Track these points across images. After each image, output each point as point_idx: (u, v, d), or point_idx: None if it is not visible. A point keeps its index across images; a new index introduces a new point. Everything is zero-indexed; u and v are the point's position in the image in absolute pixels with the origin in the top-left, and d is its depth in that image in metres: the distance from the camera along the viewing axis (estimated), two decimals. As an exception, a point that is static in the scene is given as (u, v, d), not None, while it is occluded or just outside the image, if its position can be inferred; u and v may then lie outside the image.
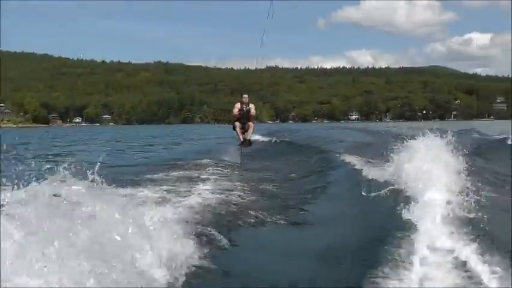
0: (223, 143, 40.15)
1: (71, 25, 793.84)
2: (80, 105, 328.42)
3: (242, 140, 26.86)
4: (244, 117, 26.94)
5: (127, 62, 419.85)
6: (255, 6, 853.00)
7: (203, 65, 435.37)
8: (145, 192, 13.80)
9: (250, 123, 26.96)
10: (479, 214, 9.29)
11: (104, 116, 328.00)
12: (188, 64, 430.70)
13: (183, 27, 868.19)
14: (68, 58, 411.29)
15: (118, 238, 5.95)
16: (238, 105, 27.21)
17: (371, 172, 15.52)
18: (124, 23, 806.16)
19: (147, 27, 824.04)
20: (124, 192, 12.43)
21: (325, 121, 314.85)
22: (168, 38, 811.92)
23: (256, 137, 38.47)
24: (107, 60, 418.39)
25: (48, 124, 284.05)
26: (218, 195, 13.49)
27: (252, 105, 27.29)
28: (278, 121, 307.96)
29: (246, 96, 27.69)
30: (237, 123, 26.83)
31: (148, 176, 17.84)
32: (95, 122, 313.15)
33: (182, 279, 6.52)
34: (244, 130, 26.84)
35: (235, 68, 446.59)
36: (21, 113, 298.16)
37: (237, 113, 26.92)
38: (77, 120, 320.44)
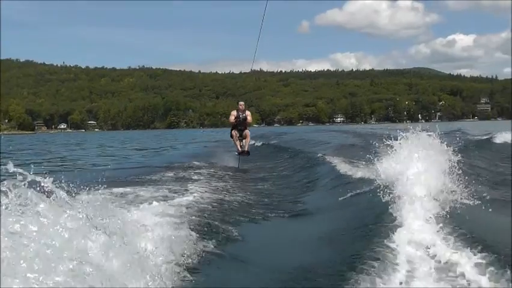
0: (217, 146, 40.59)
1: (55, 32, 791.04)
2: (65, 111, 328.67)
3: (240, 151, 26.97)
4: (241, 125, 27.12)
5: (111, 67, 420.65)
6: (238, 11, 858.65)
7: (187, 69, 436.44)
8: (144, 192, 14.39)
9: (247, 132, 26.99)
10: (463, 211, 9.93)
11: (89, 122, 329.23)
12: (172, 69, 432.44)
13: (166, 32, 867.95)
14: (52, 64, 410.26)
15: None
16: (234, 112, 27.43)
17: (357, 172, 16.40)
18: (107, 29, 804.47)
19: (130, 32, 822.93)
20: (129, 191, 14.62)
21: (310, 124, 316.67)
22: (152, 43, 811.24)
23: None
24: (91, 66, 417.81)
25: (33, 131, 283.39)
26: (217, 195, 14.49)
27: (248, 112, 27.48)
28: (264, 124, 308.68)
29: (242, 103, 28.03)
30: (234, 132, 27.15)
31: (148, 177, 18.68)
32: (80, 128, 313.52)
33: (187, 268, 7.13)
34: (242, 138, 27.02)
35: (220, 72, 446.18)
36: (6, 120, 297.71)
37: (234, 121, 27.16)
38: (62, 126, 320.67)
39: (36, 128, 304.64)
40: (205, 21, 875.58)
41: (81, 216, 5.91)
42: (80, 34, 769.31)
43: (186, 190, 14.90)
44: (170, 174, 20.51)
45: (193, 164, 25.10)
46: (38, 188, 6.09)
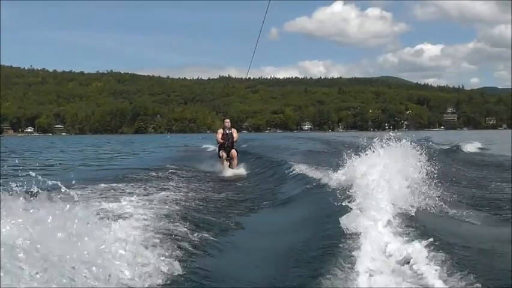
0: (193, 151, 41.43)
1: (22, 34, 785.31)
2: (32, 115, 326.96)
3: (228, 174, 26.34)
4: (229, 142, 27.53)
5: (79, 71, 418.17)
6: (206, 17, 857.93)
7: (156, 75, 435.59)
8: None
9: (234, 152, 27.26)
10: (423, 215, 10.53)
11: (57, 126, 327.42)
12: (140, 74, 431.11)
13: (135, 37, 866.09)
14: (19, 67, 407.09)
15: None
16: (221, 131, 27.93)
17: (321, 177, 16.71)
18: (75, 32, 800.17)
19: (98, 36, 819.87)
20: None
21: (278, 131, 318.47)
22: (120, 48, 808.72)
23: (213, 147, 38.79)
24: (59, 70, 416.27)
25: (0, 134, 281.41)
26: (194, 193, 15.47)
27: (233, 130, 27.92)
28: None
29: (228, 121, 28.67)
30: (222, 153, 27.43)
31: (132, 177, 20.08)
32: (47, 131, 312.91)
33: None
34: (229, 158, 27.28)
35: (188, 78, 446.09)
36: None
37: (222, 140, 27.54)
38: (29, 130, 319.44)
39: (3, 131, 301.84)
40: (173, 27, 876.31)
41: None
42: (48, 37, 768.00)
43: (165, 188, 16.40)
44: (150, 174, 21.86)
45: (168, 167, 26.15)
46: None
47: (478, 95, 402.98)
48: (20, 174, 7.08)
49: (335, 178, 14.50)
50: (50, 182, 7.41)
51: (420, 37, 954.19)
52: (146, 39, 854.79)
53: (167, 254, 7.81)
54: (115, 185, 17.59)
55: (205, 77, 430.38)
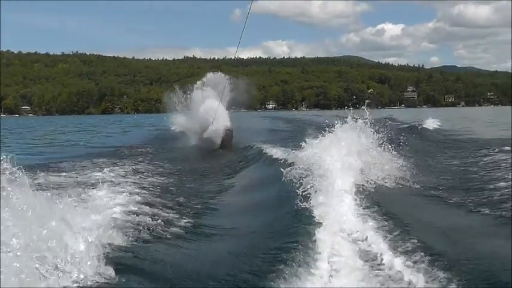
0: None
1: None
2: None
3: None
4: None
5: (44, 53, 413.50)
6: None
7: (121, 56, 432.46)
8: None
9: None
10: (387, 198, 10.63)
11: (23, 107, 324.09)
12: (106, 55, 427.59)
13: (99, 18, 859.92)
14: None
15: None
16: None
17: (287, 158, 16.31)
18: (39, 14, 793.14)
19: (63, 18, 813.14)
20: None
21: (243, 110, 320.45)
22: (85, 29, 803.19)
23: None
24: (24, 51, 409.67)
25: None
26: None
27: None
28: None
29: None
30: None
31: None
32: (14, 113, 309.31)
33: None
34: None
35: (153, 59, 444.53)
36: None
37: None
38: None
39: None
40: (136, 8, 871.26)
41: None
42: (12, 19, 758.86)
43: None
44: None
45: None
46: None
47: (437, 74, 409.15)
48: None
49: (296, 158, 14.44)
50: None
51: (381, 17, 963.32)
52: (111, 20, 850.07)
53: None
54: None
55: (169, 58, 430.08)
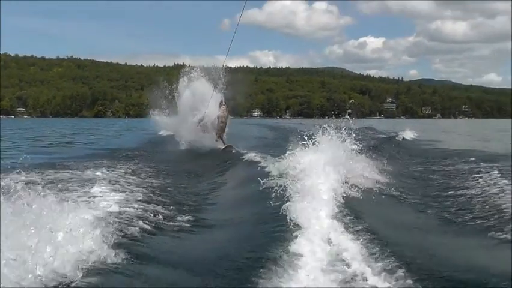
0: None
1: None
2: None
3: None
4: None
5: (40, 57, 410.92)
6: (161, 6, 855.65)
7: (114, 61, 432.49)
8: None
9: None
10: (363, 207, 10.40)
11: (19, 109, 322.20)
12: (99, 60, 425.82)
13: (93, 23, 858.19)
14: None
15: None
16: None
17: (269, 166, 16.08)
18: (36, 19, 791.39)
19: (59, 23, 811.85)
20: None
21: (230, 117, 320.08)
22: (79, 34, 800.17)
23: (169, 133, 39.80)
24: (21, 54, 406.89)
25: None
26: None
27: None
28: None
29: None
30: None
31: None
32: (9, 114, 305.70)
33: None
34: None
35: (145, 65, 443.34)
36: None
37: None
38: None
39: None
40: (130, 15, 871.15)
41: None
42: (10, 22, 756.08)
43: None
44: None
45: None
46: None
47: (415, 86, 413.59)
48: None
49: (278, 167, 14.36)
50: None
51: (364, 30, 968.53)
52: (104, 26, 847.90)
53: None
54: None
55: (160, 65, 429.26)
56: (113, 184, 14.32)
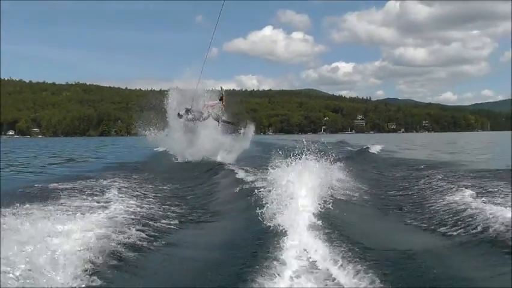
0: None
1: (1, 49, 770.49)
2: (12, 120, 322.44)
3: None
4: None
5: (51, 82, 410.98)
6: (156, 36, 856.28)
7: (116, 86, 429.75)
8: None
9: None
10: (341, 218, 10.02)
11: (34, 129, 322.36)
12: (103, 85, 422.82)
13: (97, 53, 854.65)
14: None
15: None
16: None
17: (252, 179, 15.88)
18: (47, 48, 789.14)
19: (67, 51, 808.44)
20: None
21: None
22: (85, 62, 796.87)
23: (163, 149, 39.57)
24: (34, 81, 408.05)
25: None
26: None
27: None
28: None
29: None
30: None
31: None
32: (25, 134, 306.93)
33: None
34: None
35: (143, 89, 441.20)
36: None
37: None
38: (10, 133, 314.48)
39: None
40: (128, 44, 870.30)
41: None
42: (24, 52, 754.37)
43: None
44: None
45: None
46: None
47: (382, 105, 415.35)
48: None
49: (261, 180, 14.13)
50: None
51: (336, 56, 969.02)
52: (107, 55, 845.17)
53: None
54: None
55: (157, 88, 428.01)
56: (123, 193, 15.01)
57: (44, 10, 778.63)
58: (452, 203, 12.58)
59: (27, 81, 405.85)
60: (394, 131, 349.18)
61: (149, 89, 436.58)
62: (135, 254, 8.14)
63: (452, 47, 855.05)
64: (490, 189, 14.70)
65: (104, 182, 18.29)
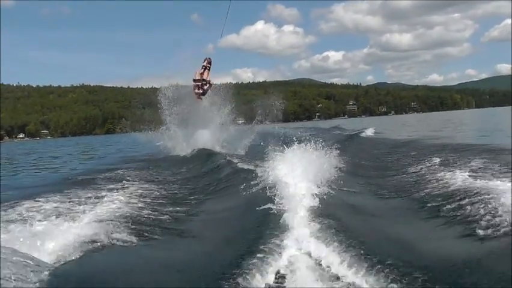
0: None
1: (9, 55, 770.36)
2: (22, 123, 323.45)
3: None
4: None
5: (57, 85, 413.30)
6: (154, 36, 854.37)
7: (118, 85, 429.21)
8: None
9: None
10: (335, 209, 8.98)
11: (43, 131, 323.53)
12: (106, 86, 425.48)
13: (99, 55, 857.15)
14: (9, 84, 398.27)
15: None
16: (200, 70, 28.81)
17: (253, 171, 14.40)
18: (52, 53, 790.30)
19: (70, 55, 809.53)
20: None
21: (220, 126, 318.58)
22: (88, 64, 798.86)
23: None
24: (41, 85, 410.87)
25: (2, 140, 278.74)
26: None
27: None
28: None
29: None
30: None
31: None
32: (35, 136, 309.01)
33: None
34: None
35: (145, 87, 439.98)
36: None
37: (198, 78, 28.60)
38: (21, 136, 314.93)
39: (4, 137, 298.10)
40: (127, 45, 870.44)
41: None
42: (31, 57, 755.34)
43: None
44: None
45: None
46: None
47: (372, 90, 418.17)
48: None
49: (259, 172, 13.09)
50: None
51: (326, 46, 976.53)
52: (108, 56, 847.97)
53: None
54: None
55: (157, 86, 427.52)
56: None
57: (45, 14, 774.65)
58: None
59: (34, 85, 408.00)
60: (385, 113, 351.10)
61: (151, 86, 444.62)
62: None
63: (435, 31, 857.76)
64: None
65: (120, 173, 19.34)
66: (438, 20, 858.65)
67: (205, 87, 30.71)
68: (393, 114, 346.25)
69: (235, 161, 19.79)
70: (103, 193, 12.94)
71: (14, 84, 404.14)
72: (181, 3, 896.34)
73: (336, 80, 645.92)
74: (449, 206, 9.20)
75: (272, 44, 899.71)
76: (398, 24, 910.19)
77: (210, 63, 31.46)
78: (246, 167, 17.08)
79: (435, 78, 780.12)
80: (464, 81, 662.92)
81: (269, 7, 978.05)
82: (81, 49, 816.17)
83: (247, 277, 5.80)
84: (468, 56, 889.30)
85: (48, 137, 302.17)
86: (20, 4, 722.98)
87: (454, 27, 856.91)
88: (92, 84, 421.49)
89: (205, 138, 32.66)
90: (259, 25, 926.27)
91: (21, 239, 6.92)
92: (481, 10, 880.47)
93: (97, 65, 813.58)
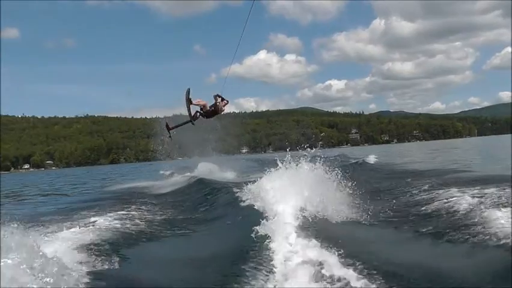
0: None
1: (14, 88, 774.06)
2: (27, 154, 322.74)
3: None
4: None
5: (61, 116, 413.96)
6: (156, 67, 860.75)
7: (122, 116, 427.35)
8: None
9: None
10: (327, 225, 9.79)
11: (48, 162, 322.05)
12: (110, 116, 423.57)
13: (103, 87, 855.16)
14: (14, 116, 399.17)
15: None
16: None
17: (243, 192, 14.94)
18: (56, 85, 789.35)
19: (74, 87, 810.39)
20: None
21: (222, 154, 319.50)
22: (92, 95, 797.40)
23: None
24: (46, 116, 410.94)
25: (9, 171, 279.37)
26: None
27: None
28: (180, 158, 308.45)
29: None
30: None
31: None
32: (40, 167, 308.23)
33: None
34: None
35: (148, 117, 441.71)
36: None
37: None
38: (26, 166, 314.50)
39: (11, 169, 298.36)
40: (131, 77, 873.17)
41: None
42: (35, 89, 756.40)
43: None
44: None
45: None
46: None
47: (374, 118, 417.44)
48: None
49: (250, 191, 13.66)
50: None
51: (328, 75, 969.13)
52: (112, 87, 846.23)
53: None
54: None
55: (161, 116, 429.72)
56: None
57: (50, 48, 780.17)
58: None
59: (39, 116, 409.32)
60: (387, 142, 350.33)
61: (154, 116, 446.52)
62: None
63: (437, 59, 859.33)
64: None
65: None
66: (440, 48, 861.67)
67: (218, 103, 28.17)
68: (395, 142, 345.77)
69: (230, 186, 20.94)
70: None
71: (19, 116, 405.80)
72: (183, 34, 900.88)
73: (339, 109, 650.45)
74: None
75: (275, 73, 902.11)
76: (399, 53, 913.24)
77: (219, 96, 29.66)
78: (237, 190, 17.44)
79: (438, 106, 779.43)
80: (466, 109, 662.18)
81: (271, 37, 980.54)
82: (84, 81, 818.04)
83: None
84: (470, 83, 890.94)
85: (53, 168, 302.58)
86: (25, 36, 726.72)
87: (456, 55, 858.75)
88: (96, 115, 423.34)
89: (204, 167, 33.45)
90: (262, 54, 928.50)
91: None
92: (482, 38, 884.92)
93: (101, 96, 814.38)
